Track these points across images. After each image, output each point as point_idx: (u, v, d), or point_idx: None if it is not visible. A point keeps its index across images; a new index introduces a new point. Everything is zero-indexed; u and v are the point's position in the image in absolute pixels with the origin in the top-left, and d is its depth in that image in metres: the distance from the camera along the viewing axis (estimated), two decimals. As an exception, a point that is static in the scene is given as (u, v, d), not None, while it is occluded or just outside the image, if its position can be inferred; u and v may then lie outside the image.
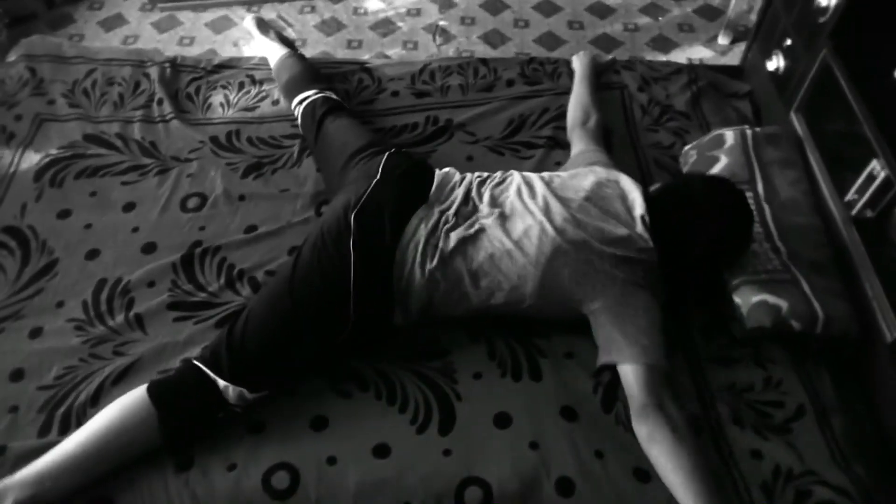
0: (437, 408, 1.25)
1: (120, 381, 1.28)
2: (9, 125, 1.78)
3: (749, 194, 1.49)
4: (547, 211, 1.31)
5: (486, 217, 1.32)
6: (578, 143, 1.63)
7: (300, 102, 1.72)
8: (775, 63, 1.80)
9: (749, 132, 1.60)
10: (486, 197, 1.36)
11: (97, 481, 1.15)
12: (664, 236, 1.31)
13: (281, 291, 1.27)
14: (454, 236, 1.29)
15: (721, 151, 1.58)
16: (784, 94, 1.75)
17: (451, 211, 1.33)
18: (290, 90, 1.77)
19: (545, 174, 1.42)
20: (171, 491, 1.14)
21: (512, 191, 1.37)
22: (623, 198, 1.36)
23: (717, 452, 1.21)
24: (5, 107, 1.83)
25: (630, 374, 1.20)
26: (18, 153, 1.72)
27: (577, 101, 1.75)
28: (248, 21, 2.10)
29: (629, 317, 1.24)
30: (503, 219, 1.31)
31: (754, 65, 1.97)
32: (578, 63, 1.91)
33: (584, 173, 1.42)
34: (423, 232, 1.29)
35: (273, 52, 1.92)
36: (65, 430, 1.22)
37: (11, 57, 1.98)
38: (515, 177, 1.41)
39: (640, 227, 1.31)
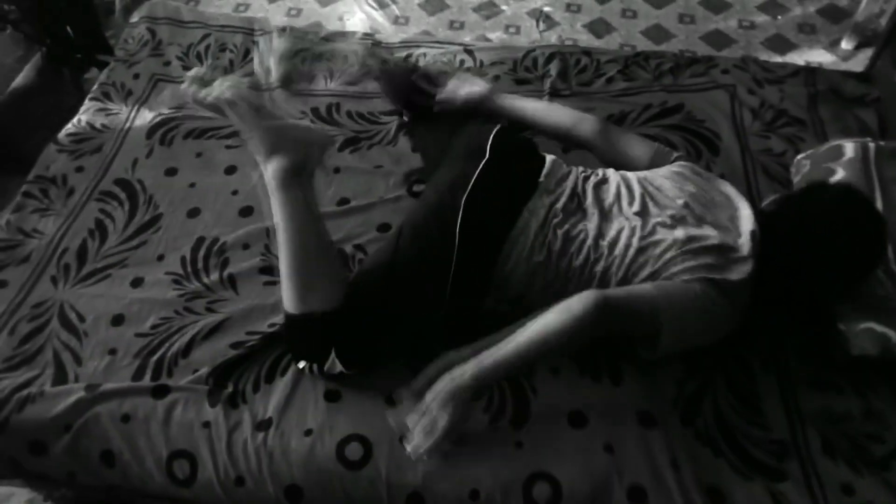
0: (512, 399, 1.24)
1: (210, 337, 1.34)
2: (127, 83, 1.88)
3: (865, 213, 1.39)
4: (643, 214, 1.26)
5: (589, 218, 1.28)
6: (637, 145, 1.45)
7: None
8: (908, 73, 1.66)
9: (872, 145, 1.49)
10: (590, 195, 1.31)
11: None
12: (774, 257, 1.22)
13: (382, 265, 1.27)
14: (560, 234, 1.26)
15: (838, 164, 1.47)
16: (915, 107, 1.62)
17: (560, 205, 1.29)
18: None
19: (640, 174, 1.36)
20: (250, 448, 1.19)
21: (612, 191, 1.32)
22: (728, 207, 1.29)
23: (804, 482, 1.15)
24: (126, 65, 1.93)
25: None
26: (134, 110, 1.81)
27: (560, 108, 1.55)
28: None
29: (679, 294, 1.16)
30: (603, 220, 1.27)
31: (883, 73, 1.83)
32: (487, 91, 1.57)
33: (678, 178, 1.34)
34: (534, 225, 1.26)
35: None
36: (157, 377, 1.29)
37: (135, 18, 2.08)
38: (614, 176, 1.36)
39: (743, 239, 1.24)
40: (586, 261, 1.24)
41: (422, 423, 1.08)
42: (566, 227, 1.26)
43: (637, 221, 1.25)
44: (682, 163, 1.39)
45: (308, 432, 1.20)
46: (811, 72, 1.85)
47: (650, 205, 1.28)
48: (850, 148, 1.49)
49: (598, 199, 1.30)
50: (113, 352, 1.33)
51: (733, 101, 1.78)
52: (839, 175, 1.45)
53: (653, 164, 1.41)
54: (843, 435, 1.20)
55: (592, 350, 1.30)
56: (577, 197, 1.31)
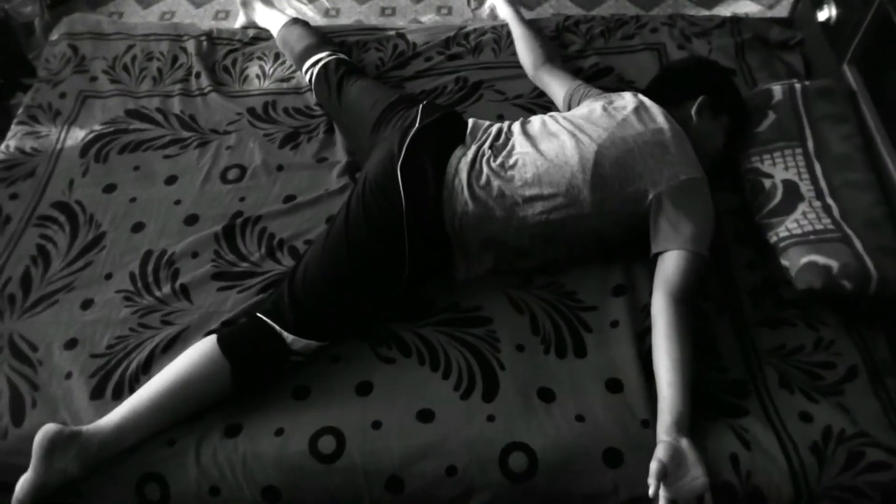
0: (481, 375, 1.25)
1: (169, 350, 1.31)
2: (54, 103, 1.82)
3: (799, 150, 1.44)
4: (575, 128, 1.37)
5: (520, 146, 1.37)
6: (558, 83, 1.64)
7: (313, 65, 1.73)
8: (827, 13, 1.71)
9: (798, 86, 1.54)
10: (516, 129, 1.42)
11: (166, 429, 1.21)
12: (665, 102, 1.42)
13: (336, 243, 1.31)
14: (496, 165, 1.34)
15: (768, 107, 1.52)
16: (836, 46, 1.66)
17: (486, 145, 1.38)
18: (302, 56, 1.77)
19: (564, 113, 1.48)
20: (220, 457, 1.17)
21: (537, 123, 1.43)
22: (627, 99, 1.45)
23: (764, 415, 1.18)
24: (50, 85, 1.87)
25: (672, 260, 1.24)
26: (64, 130, 1.75)
27: (529, 41, 1.75)
28: None
29: (685, 205, 1.28)
30: (536, 144, 1.37)
31: (804, 16, 1.88)
32: (503, 5, 1.87)
33: (588, 104, 1.48)
34: (464, 166, 1.34)
35: (276, 21, 1.92)
36: (118, 397, 1.26)
37: (54, 36, 2.01)
38: (538, 115, 1.48)
39: (654, 109, 1.40)
40: (537, 176, 1.32)
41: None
42: (500, 158, 1.36)
43: (573, 130, 1.37)
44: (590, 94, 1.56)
45: (279, 432, 1.19)
46: (736, 21, 1.90)
47: (577, 120, 1.40)
48: (778, 91, 1.54)
49: (525, 131, 1.41)
50: (69, 375, 1.30)
51: (661, 60, 1.81)
52: (770, 118, 1.49)
53: (566, 102, 1.60)
54: (796, 366, 1.24)
55: (556, 328, 1.31)
56: (503, 135, 1.41)
